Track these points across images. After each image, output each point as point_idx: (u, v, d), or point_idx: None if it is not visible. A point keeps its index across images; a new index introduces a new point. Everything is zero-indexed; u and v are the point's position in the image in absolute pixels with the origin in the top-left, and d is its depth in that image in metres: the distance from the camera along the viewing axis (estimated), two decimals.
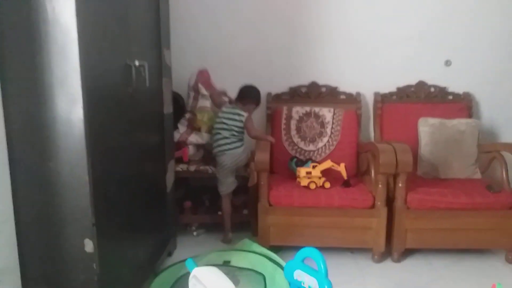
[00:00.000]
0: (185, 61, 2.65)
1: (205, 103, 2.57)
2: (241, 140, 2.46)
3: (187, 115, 2.58)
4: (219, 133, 2.43)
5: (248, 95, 2.47)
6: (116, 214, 1.56)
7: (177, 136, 2.50)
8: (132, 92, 1.66)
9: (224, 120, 2.43)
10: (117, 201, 1.57)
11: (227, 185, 2.45)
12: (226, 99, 2.57)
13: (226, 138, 2.41)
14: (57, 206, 1.35)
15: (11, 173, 1.34)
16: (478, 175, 2.54)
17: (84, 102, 1.27)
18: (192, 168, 2.51)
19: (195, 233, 2.60)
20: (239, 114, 2.42)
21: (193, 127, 2.56)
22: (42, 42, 1.26)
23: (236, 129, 2.42)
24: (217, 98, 2.57)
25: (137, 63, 1.65)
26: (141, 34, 1.84)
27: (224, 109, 2.48)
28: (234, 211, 2.55)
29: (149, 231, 2.02)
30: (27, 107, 1.31)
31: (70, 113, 1.28)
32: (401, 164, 2.13)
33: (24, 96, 1.30)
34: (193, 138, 2.54)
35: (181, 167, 2.49)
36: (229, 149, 2.40)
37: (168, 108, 2.19)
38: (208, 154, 2.64)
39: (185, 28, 2.75)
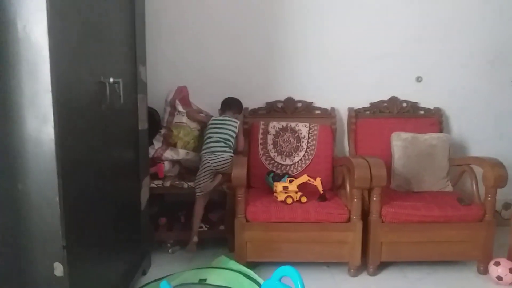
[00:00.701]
0: (161, 76, 2.65)
1: (181, 118, 2.56)
2: (231, 148, 2.54)
3: (163, 131, 2.56)
4: (211, 137, 2.52)
5: (237, 105, 2.69)
6: (88, 234, 1.52)
7: (152, 152, 2.47)
8: (105, 109, 1.63)
9: (219, 126, 2.55)
10: (89, 221, 1.53)
11: (204, 186, 2.45)
12: (202, 115, 2.58)
13: (218, 141, 2.51)
14: (25, 229, 1.30)
15: None
16: (449, 188, 2.61)
17: (55, 121, 1.24)
18: (167, 184, 2.48)
19: (170, 251, 2.56)
20: (233, 121, 2.58)
21: (169, 143, 2.53)
22: (11, 61, 1.22)
23: (230, 134, 2.55)
24: (194, 116, 2.61)
25: (111, 80, 1.62)
26: (116, 50, 1.82)
27: (215, 118, 2.59)
28: (211, 227, 2.52)
29: (123, 249, 1.98)
30: None
31: (40, 132, 1.24)
32: (376, 179, 2.17)
33: None
34: (169, 154, 2.51)
35: (156, 183, 2.46)
36: (217, 151, 2.48)
37: (143, 124, 2.16)
38: (183, 169, 2.62)
39: (161, 44, 2.75)
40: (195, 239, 2.47)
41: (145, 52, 2.17)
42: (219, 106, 2.69)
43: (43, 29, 1.20)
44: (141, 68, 2.10)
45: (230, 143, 2.54)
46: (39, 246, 1.31)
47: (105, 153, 1.71)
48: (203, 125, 2.65)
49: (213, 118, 2.62)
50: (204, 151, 2.51)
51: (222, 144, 2.50)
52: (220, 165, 2.46)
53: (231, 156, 2.49)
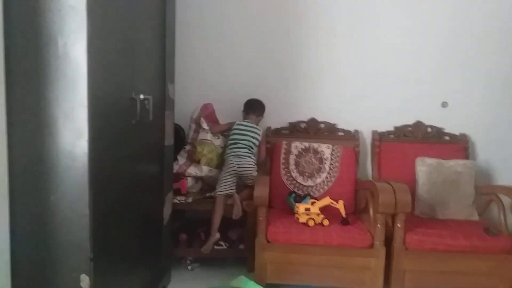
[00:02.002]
0: (187, 94, 2.70)
1: (206, 136, 2.59)
2: (254, 155, 2.63)
3: (187, 147, 2.59)
4: (236, 142, 2.57)
5: (260, 107, 2.72)
6: (112, 247, 1.53)
7: (176, 167, 2.50)
8: (135, 124, 1.67)
9: (243, 132, 2.60)
10: (114, 234, 1.55)
11: (225, 186, 2.48)
12: (224, 124, 2.68)
13: (243, 148, 2.57)
14: (54, 240, 1.33)
15: (10, 205, 1.33)
16: (475, 217, 2.54)
17: (89, 135, 1.28)
18: (190, 199, 2.49)
19: (189, 267, 2.55)
20: (257, 129, 2.63)
21: (193, 159, 2.56)
22: (51, 76, 1.27)
23: (254, 142, 2.61)
24: (217, 128, 2.67)
25: (142, 96, 1.67)
26: (147, 68, 1.87)
27: (240, 123, 2.63)
28: (230, 246, 2.51)
29: (144, 264, 1.99)
30: (31, 139, 1.31)
31: (74, 146, 1.28)
32: (400, 204, 2.13)
33: (30, 128, 1.31)
34: (192, 170, 2.54)
35: (179, 198, 2.48)
36: (242, 155, 2.53)
37: (169, 140, 2.20)
38: (205, 186, 2.63)
39: (189, 64, 2.81)
40: (217, 235, 2.46)
41: (174, 71, 2.22)
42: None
43: (82, 47, 1.26)
44: (170, 86, 2.14)
45: (254, 151, 2.62)
46: (67, 257, 1.33)
47: (132, 167, 1.74)
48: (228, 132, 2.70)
49: (237, 122, 2.65)
50: (229, 154, 2.56)
51: (247, 150, 2.57)
52: (244, 169, 2.52)
53: (255, 163, 2.57)
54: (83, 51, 1.26)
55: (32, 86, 1.29)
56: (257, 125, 2.68)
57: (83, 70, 1.26)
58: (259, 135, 2.65)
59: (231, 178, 2.52)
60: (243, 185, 2.60)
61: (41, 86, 1.28)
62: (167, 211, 2.23)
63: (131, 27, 1.65)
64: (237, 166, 2.51)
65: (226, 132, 2.71)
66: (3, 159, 1.30)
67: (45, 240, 1.33)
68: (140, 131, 1.75)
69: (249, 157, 2.57)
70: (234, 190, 2.53)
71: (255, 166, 2.58)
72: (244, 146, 2.57)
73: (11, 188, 1.31)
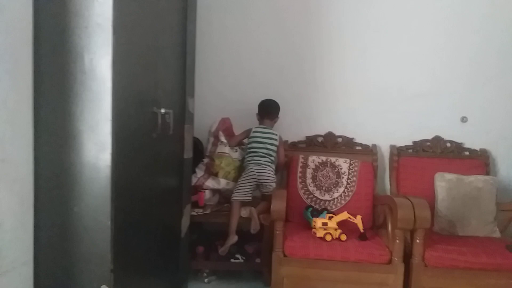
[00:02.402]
0: (206, 108, 2.75)
1: (224, 149, 2.62)
2: (273, 163, 2.64)
3: (205, 160, 2.62)
4: (256, 151, 2.59)
5: (275, 110, 2.69)
6: (132, 259, 1.56)
7: (194, 180, 2.53)
8: (156, 138, 1.70)
9: (262, 140, 2.60)
10: (134, 245, 1.57)
11: (242, 192, 2.51)
12: (240, 134, 2.69)
13: (263, 156, 2.58)
14: (76, 251, 1.35)
15: (35, 216, 1.36)
16: (497, 234, 2.48)
17: (112, 148, 1.31)
18: (207, 212, 2.51)
19: (206, 280, 2.55)
20: (274, 134, 2.64)
21: (211, 172, 2.58)
22: (77, 90, 1.31)
23: (273, 149, 2.62)
24: (234, 140, 2.68)
25: (163, 111, 1.70)
26: (169, 82, 1.92)
27: (257, 130, 2.62)
28: (247, 259, 2.51)
29: (162, 276, 2.00)
30: (57, 152, 1.34)
31: (98, 159, 1.31)
32: (419, 220, 2.10)
33: (55, 141, 1.34)
34: (210, 183, 2.56)
35: (197, 211, 2.50)
36: (263, 163, 2.56)
37: (188, 153, 2.23)
38: (223, 199, 2.65)
39: (208, 78, 2.86)
40: (235, 238, 2.46)
41: (194, 85, 2.26)
42: None
43: (108, 62, 1.29)
44: (190, 100, 2.19)
45: (273, 158, 2.63)
46: (88, 267, 1.35)
47: (152, 180, 1.77)
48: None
49: (253, 130, 2.64)
50: (250, 162, 2.57)
51: (267, 159, 2.59)
52: (264, 177, 2.54)
53: (274, 173, 2.59)
54: (108, 66, 1.29)
55: (59, 100, 1.33)
56: (273, 128, 2.68)
57: (108, 85, 1.30)
58: (276, 140, 2.65)
59: (249, 184, 2.54)
60: (260, 196, 2.62)
61: (67, 100, 1.32)
62: (185, 223, 2.25)
63: (154, 43, 1.70)
64: (257, 174, 2.53)
65: (243, 140, 2.72)
66: (29, 171, 1.34)
67: (68, 250, 1.36)
68: (161, 144, 1.79)
69: (269, 166, 2.58)
70: (250, 198, 2.54)
71: (275, 177, 2.60)
72: (263, 154, 2.59)
73: (36, 199, 1.35)
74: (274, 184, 2.58)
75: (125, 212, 1.44)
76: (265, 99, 2.71)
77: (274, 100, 2.70)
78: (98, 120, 1.31)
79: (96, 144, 1.32)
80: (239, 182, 2.55)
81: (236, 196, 2.51)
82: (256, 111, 2.73)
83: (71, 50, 1.31)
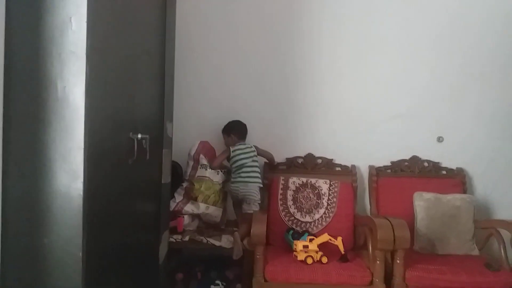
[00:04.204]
0: (186, 131, 2.73)
1: (204, 172, 2.59)
2: (260, 175, 2.68)
3: (185, 184, 2.59)
4: (243, 164, 2.61)
5: (246, 130, 2.76)
6: None
7: (173, 205, 2.49)
8: (132, 164, 1.68)
9: (245, 155, 2.64)
10: (109, 276, 1.52)
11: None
12: (220, 155, 2.68)
13: (253, 171, 2.62)
14: (46, 285, 1.30)
15: (1, 247, 1.31)
16: (476, 252, 2.51)
17: (84, 177, 1.28)
18: (186, 238, 2.46)
19: None
20: (250, 147, 2.69)
21: (190, 196, 2.55)
22: (49, 119, 1.29)
23: (256, 159, 2.67)
24: (216, 161, 2.65)
25: (139, 136, 1.69)
26: (146, 108, 1.90)
27: (236, 148, 2.65)
28: (227, 285, 2.46)
29: None
30: (26, 181, 1.30)
31: (70, 188, 1.28)
32: (399, 240, 2.11)
33: (25, 170, 1.30)
34: (189, 207, 2.52)
35: (175, 237, 2.45)
36: (250, 181, 2.59)
37: (166, 178, 2.20)
38: (202, 224, 2.61)
39: (186, 102, 2.84)
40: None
41: (173, 109, 2.26)
42: None
43: (81, 90, 1.28)
44: (168, 124, 2.17)
45: (259, 170, 2.68)
46: None
47: (128, 207, 1.73)
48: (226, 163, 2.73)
49: (232, 149, 2.65)
50: (238, 179, 2.60)
51: (255, 173, 2.63)
52: (249, 195, 2.58)
53: (259, 188, 2.63)
54: (81, 94, 1.28)
55: (30, 128, 1.30)
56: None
57: (81, 112, 1.28)
58: (255, 151, 2.69)
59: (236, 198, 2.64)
60: (241, 216, 2.59)
61: (39, 128, 1.29)
62: (163, 250, 2.20)
63: (131, 68, 1.69)
64: (243, 194, 2.57)
65: (224, 163, 2.71)
66: None
67: (37, 284, 1.31)
68: (137, 170, 1.76)
69: (256, 182, 2.61)
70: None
71: (259, 195, 2.63)
72: (250, 168, 2.62)
73: (3, 230, 1.30)
74: (258, 202, 2.59)
75: (99, 242, 1.40)
76: (235, 121, 2.76)
77: (238, 121, 2.78)
78: (71, 149, 1.28)
79: (68, 172, 1.29)
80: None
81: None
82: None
83: (44, 78, 1.30)
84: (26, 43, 1.30)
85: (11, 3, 1.29)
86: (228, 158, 2.66)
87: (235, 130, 2.73)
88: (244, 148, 2.66)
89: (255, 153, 2.69)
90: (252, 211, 2.51)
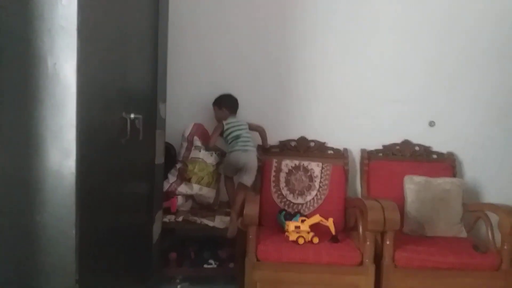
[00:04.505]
0: (179, 113, 2.72)
1: (198, 154, 2.59)
2: (255, 148, 2.72)
3: (178, 165, 2.59)
4: (238, 136, 2.62)
5: (237, 104, 2.76)
6: (100, 268, 1.52)
7: (166, 186, 2.49)
8: (125, 144, 1.67)
9: (239, 127, 2.65)
10: (101, 254, 1.53)
11: (230, 170, 2.66)
12: (213, 133, 2.68)
13: (248, 141, 2.63)
14: (39, 262, 1.31)
15: None
16: (464, 234, 2.56)
17: (77, 155, 1.28)
18: (180, 218, 2.48)
19: (179, 287, 2.51)
20: (243, 123, 2.69)
21: (183, 178, 2.55)
22: (39, 96, 1.27)
23: (249, 134, 2.67)
24: (211, 140, 2.65)
25: (132, 116, 1.68)
26: (139, 88, 1.89)
27: (229, 121, 2.66)
28: (220, 264, 2.50)
29: (133, 284, 1.96)
30: (18, 159, 1.29)
31: (62, 166, 1.28)
32: (389, 222, 2.15)
33: (16, 148, 1.29)
34: (183, 188, 2.53)
35: (169, 217, 2.46)
36: (248, 149, 2.60)
37: (159, 159, 2.20)
38: (196, 205, 2.63)
39: (181, 83, 2.82)
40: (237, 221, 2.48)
41: (166, 90, 2.24)
42: None
43: (72, 67, 1.26)
44: (161, 105, 2.16)
45: (253, 143, 2.69)
46: (52, 279, 1.31)
47: (121, 186, 1.73)
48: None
49: (225, 122, 2.66)
50: (235, 149, 2.59)
51: (250, 143, 2.65)
52: (250, 164, 2.58)
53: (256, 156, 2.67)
54: (72, 71, 1.26)
55: (20, 106, 1.29)
56: None
57: (72, 90, 1.27)
58: (246, 126, 2.70)
59: (234, 169, 2.64)
60: (238, 187, 2.60)
61: (30, 105, 1.28)
62: (156, 230, 2.21)
63: (123, 46, 1.67)
64: (244, 160, 2.57)
65: (217, 142, 2.71)
66: None
67: (29, 261, 1.31)
68: (130, 150, 1.75)
69: (254, 151, 2.64)
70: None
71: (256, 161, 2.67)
72: (246, 138, 2.63)
73: None
74: (255, 171, 2.62)
75: (92, 220, 1.40)
76: (226, 94, 2.75)
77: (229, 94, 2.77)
78: (62, 126, 1.27)
79: (60, 150, 1.28)
80: (225, 165, 2.66)
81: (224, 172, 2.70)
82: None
83: (34, 54, 1.28)
84: (14, 18, 1.28)
85: None
86: (221, 133, 2.66)
87: (227, 104, 2.72)
88: (236, 121, 2.67)
89: (247, 127, 2.69)
90: (248, 185, 2.55)
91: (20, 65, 1.28)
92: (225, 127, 2.64)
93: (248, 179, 2.56)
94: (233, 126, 2.64)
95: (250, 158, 2.59)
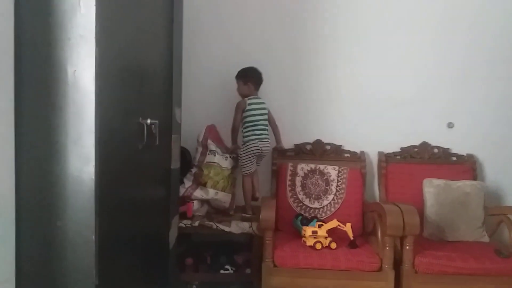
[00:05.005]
0: (194, 117, 2.73)
1: (213, 158, 2.59)
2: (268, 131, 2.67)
3: (194, 170, 2.60)
4: (256, 124, 2.57)
5: (262, 79, 2.66)
6: (118, 273, 1.52)
7: (182, 190, 2.50)
8: (141, 149, 1.68)
9: (260, 112, 2.59)
10: (119, 259, 1.54)
11: (251, 166, 2.60)
12: (237, 114, 2.63)
13: (264, 129, 2.60)
14: (59, 266, 1.32)
15: (16, 231, 1.33)
16: (485, 239, 2.50)
17: (96, 161, 1.29)
18: (196, 223, 2.48)
19: None
20: (264, 103, 2.64)
21: (199, 182, 2.56)
22: (60, 103, 1.29)
23: (266, 119, 2.64)
24: (234, 131, 2.65)
25: (149, 121, 1.68)
26: (155, 93, 1.90)
27: (251, 101, 2.59)
28: (236, 270, 2.49)
29: None
30: (39, 165, 1.32)
31: (82, 171, 1.29)
32: (409, 227, 2.11)
33: (37, 154, 1.32)
34: (198, 193, 2.54)
35: (185, 222, 2.46)
36: (265, 138, 2.59)
37: (175, 164, 2.21)
38: (212, 209, 2.63)
39: (196, 87, 2.84)
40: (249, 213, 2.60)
41: (181, 95, 2.25)
42: None
43: (91, 74, 1.28)
44: (177, 110, 2.17)
45: (268, 127, 2.66)
46: (72, 283, 1.32)
47: (139, 192, 1.74)
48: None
49: (249, 101, 2.58)
50: (252, 136, 2.55)
51: (266, 131, 2.62)
52: (265, 150, 2.60)
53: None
54: (91, 78, 1.28)
55: (41, 113, 1.31)
56: None
57: (91, 96, 1.28)
58: (266, 108, 2.65)
59: (253, 159, 2.59)
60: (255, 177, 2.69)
61: (50, 113, 1.30)
62: (173, 235, 2.22)
63: (139, 53, 1.68)
64: (262, 149, 2.56)
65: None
66: (11, 185, 1.31)
67: (51, 266, 1.33)
68: (147, 155, 1.76)
69: (268, 138, 2.62)
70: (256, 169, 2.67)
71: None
72: (263, 126, 2.60)
73: (17, 214, 1.32)
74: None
75: (110, 225, 1.41)
76: (252, 67, 2.64)
77: (253, 67, 2.67)
78: (82, 133, 1.29)
79: (80, 156, 1.29)
80: (243, 159, 2.59)
81: (247, 171, 2.60)
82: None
83: (54, 62, 1.30)
84: (35, 28, 1.30)
85: None
86: (243, 110, 2.59)
87: (254, 78, 2.62)
88: (259, 103, 2.61)
89: (267, 112, 2.64)
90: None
91: (41, 73, 1.31)
92: (247, 107, 2.57)
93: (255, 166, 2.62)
94: (255, 109, 2.57)
95: (266, 147, 2.59)
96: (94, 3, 1.26)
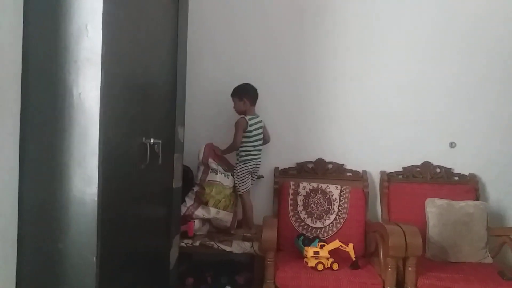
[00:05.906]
0: (196, 136, 2.73)
1: (215, 177, 2.59)
2: None
3: (195, 188, 2.60)
4: (255, 146, 2.63)
5: (257, 95, 2.68)
6: None
7: (183, 209, 2.49)
8: (144, 168, 1.68)
9: (258, 132, 2.64)
10: (120, 280, 1.53)
11: (248, 182, 2.64)
12: (238, 134, 2.62)
13: (261, 148, 2.68)
14: None
15: (18, 252, 1.32)
16: (489, 260, 2.47)
17: (99, 182, 1.29)
18: (197, 243, 2.46)
19: None
20: (261, 121, 2.69)
21: (201, 201, 2.55)
22: (65, 126, 1.30)
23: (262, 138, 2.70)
24: (237, 142, 2.63)
25: (152, 141, 1.70)
26: (158, 112, 1.92)
27: (252, 121, 2.62)
28: None
29: None
30: (42, 186, 1.32)
31: (84, 193, 1.29)
32: (411, 247, 2.09)
33: (41, 175, 1.32)
34: (200, 212, 2.52)
35: (186, 242, 2.45)
36: (260, 158, 2.68)
37: (177, 183, 2.21)
38: (213, 228, 2.62)
39: (198, 105, 2.85)
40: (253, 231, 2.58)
41: (184, 114, 2.27)
42: None
43: (96, 96, 1.29)
44: (180, 129, 2.18)
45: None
46: None
47: (140, 211, 1.74)
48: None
49: (249, 121, 2.59)
50: (247, 157, 2.62)
51: (261, 150, 2.69)
52: (258, 168, 2.69)
53: None
54: (96, 100, 1.29)
55: (46, 134, 1.32)
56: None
57: (96, 118, 1.29)
58: (263, 126, 2.71)
59: (250, 174, 2.64)
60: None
61: (55, 134, 1.31)
62: (173, 254, 2.21)
63: (144, 74, 1.71)
64: (256, 166, 2.66)
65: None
66: (14, 206, 1.31)
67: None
68: (149, 174, 1.77)
69: (260, 157, 2.70)
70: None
71: None
72: (260, 147, 2.68)
73: (19, 235, 1.32)
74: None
75: (112, 247, 1.40)
76: (247, 84, 2.66)
77: (249, 84, 2.68)
78: (85, 154, 1.30)
79: (83, 178, 1.30)
80: (240, 178, 2.62)
81: (244, 188, 2.64)
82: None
83: (60, 85, 1.31)
84: (42, 50, 1.32)
85: (29, 11, 1.31)
86: (244, 130, 2.60)
87: (249, 94, 2.62)
88: (257, 123, 2.64)
89: (262, 130, 2.69)
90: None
91: (47, 95, 1.32)
92: (248, 127, 2.59)
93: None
94: (255, 129, 2.61)
95: (258, 166, 2.69)
96: (101, 26, 1.28)
